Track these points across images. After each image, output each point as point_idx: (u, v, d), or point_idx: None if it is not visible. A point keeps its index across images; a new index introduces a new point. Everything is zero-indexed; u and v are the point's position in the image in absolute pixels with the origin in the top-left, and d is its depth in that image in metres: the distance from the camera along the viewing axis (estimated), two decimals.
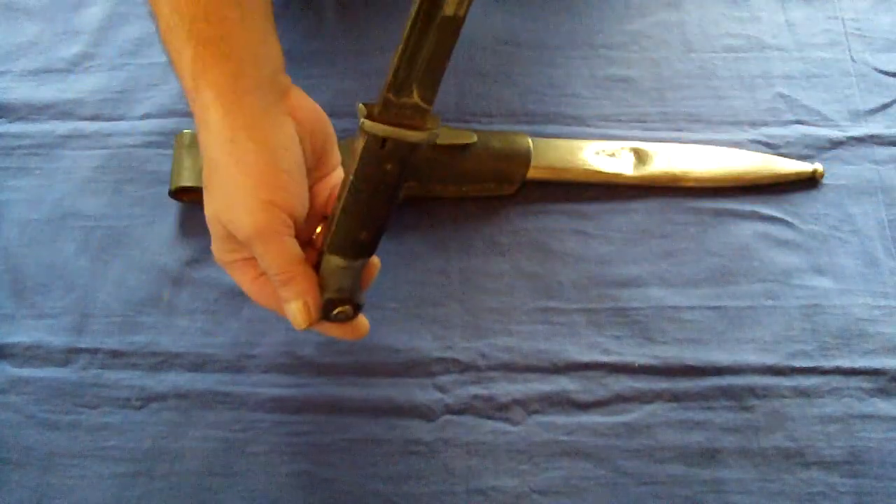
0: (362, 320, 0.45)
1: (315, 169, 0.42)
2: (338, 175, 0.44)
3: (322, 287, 0.42)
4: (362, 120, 0.36)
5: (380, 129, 0.36)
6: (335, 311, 0.43)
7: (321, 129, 0.42)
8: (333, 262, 0.42)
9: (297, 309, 0.41)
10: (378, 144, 0.37)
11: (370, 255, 0.42)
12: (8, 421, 0.49)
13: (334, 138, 0.44)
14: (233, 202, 0.39)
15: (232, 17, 0.38)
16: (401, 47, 0.34)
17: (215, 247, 0.42)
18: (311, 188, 0.42)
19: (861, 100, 0.61)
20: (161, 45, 0.40)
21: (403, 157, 0.38)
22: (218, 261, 0.43)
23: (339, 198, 0.40)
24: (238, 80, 0.38)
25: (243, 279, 0.43)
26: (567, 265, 0.55)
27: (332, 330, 0.45)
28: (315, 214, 0.43)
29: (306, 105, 0.41)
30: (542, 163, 0.56)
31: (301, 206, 0.40)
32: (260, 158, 0.38)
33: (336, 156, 0.44)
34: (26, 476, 0.48)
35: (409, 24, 0.34)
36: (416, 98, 0.36)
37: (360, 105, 0.36)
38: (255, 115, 0.38)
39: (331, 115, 0.43)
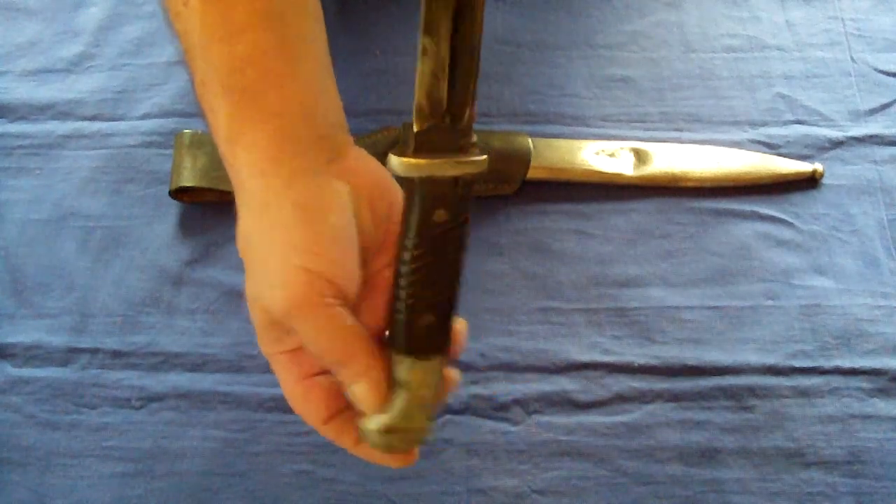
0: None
1: (382, 248, 0.35)
2: None
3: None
4: (390, 157, 0.30)
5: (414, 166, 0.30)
6: None
7: (382, 197, 0.34)
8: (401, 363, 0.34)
9: (363, 391, 0.33)
10: (427, 191, 0.31)
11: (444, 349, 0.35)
12: (8, 421, 0.49)
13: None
14: (265, 274, 0.32)
15: (277, 67, 0.31)
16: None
17: (258, 335, 0.35)
18: (377, 272, 0.35)
19: (861, 100, 0.61)
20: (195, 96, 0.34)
21: (454, 196, 0.32)
22: (264, 352, 0.36)
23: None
24: (283, 142, 0.31)
25: (286, 377, 0.35)
26: (567, 265, 0.55)
27: (382, 458, 0.36)
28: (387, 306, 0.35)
29: (367, 167, 0.34)
30: (541, 163, 0.56)
31: (346, 279, 0.32)
32: (296, 221, 0.31)
33: None
34: (26, 476, 0.48)
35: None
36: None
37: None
38: (296, 177, 0.32)
39: None
